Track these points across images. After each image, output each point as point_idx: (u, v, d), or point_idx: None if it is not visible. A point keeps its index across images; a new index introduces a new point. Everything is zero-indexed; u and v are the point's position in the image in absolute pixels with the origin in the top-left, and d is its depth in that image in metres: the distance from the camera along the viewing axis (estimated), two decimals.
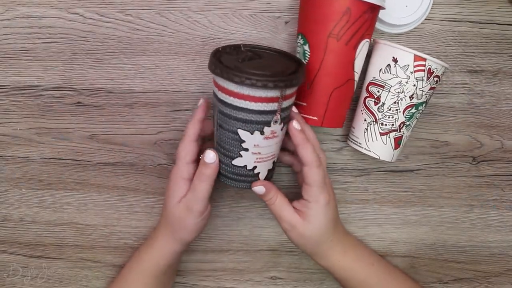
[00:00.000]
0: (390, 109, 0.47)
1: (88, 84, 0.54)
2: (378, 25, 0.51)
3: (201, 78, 0.54)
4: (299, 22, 0.47)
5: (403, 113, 0.47)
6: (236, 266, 0.58)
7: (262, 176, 0.46)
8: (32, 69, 0.53)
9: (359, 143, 0.49)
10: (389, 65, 0.46)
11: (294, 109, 0.45)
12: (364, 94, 0.49)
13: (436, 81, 0.47)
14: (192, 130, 0.46)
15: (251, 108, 0.40)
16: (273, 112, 0.41)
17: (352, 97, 0.48)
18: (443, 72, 0.47)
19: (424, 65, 0.45)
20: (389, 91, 0.46)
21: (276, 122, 0.42)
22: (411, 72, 0.45)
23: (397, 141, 0.49)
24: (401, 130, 0.48)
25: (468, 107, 0.55)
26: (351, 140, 0.51)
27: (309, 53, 0.45)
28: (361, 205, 0.57)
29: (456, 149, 0.56)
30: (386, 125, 0.48)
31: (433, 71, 0.46)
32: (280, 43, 0.53)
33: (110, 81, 0.54)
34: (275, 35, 0.53)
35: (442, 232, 0.57)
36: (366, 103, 0.48)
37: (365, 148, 0.49)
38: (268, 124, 0.42)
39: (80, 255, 0.57)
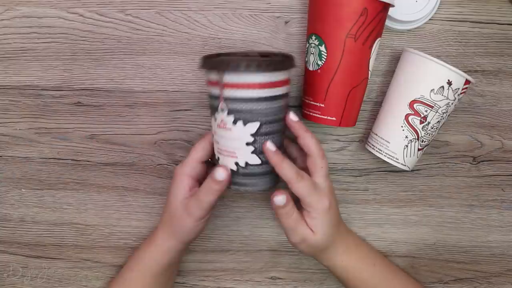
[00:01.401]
0: (433, 128, 0.48)
1: (88, 84, 0.53)
2: (387, 22, 0.51)
3: (201, 78, 0.54)
4: (311, 22, 0.47)
5: (438, 129, 0.49)
6: (236, 266, 0.58)
7: None
8: (32, 69, 0.53)
9: (395, 158, 0.48)
10: (442, 87, 0.46)
11: (293, 117, 0.43)
12: (407, 110, 0.47)
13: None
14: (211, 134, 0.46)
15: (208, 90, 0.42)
16: (217, 98, 0.41)
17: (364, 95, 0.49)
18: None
19: (467, 88, 0.47)
20: (437, 112, 0.47)
21: (222, 110, 0.41)
22: (459, 94, 0.46)
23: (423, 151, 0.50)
24: (430, 142, 0.50)
25: (468, 107, 0.55)
26: (383, 153, 0.49)
27: (326, 54, 0.45)
28: (361, 205, 0.57)
29: (457, 149, 0.56)
30: (425, 141, 0.48)
31: (468, 87, 0.47)
32: (280, 43, 0.53)
33: (110, 81, 0.53)
34: (275, 35, 0.53)
35: (443, 232, 0.57)
36: (410, 121, 0.47)
37: (401, 163, 0.49)
38: (215, 110, 0.42)
39: (80, 255, 0.57)
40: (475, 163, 0.56)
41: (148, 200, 0.56)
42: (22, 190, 0.56)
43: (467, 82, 0.46)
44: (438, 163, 0.56)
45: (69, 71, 0.53)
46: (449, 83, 0.45)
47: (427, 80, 0.46)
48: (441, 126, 0.49)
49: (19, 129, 0.54)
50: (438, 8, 0.52)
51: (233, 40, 0.53)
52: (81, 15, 0.52)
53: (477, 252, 0.58)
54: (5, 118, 0.54)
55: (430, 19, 0.52)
